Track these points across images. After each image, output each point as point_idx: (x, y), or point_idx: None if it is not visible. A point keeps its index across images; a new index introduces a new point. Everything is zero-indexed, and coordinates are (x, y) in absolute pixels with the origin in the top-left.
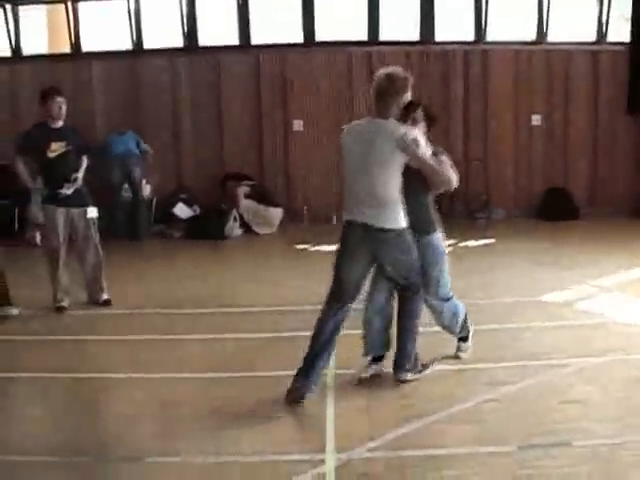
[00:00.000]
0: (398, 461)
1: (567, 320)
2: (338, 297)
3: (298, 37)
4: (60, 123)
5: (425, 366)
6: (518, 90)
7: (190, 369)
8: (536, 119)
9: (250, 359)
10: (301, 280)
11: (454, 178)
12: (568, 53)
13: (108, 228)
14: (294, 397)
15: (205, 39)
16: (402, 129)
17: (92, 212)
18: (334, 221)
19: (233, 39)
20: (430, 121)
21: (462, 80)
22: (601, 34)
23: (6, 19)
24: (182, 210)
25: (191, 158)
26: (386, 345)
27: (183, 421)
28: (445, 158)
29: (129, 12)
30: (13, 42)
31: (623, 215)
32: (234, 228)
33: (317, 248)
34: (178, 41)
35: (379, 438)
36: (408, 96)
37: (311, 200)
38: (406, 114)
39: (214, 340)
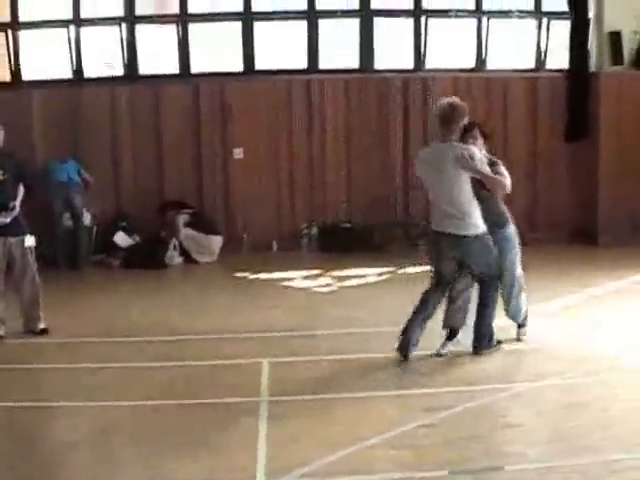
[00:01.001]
0: None
1: (505, 345)
2: (437, 284)
3: (238, 66)
4: None
5: (499, 342)
6: None
7: (129, 397)
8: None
9: (189, 386)
10: (240, 308)
11: (508, 183)
12: (507, 80)
13: (48, 257)
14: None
15: (145, 68)
16: (458, 149)
17: (29, 241)
18: (274, 248)
19: (173, 68)
20: (485, 137)
21: (402, 108)
22: (540, 61)
23: None
24: (122, 239)
25: (131, 186)
26: (460, 322)
27: (121, 449)
28: (502, 168)
29: (69, 41)
30: None
31: (563, 240)
32: (174, 257)
33: (257, 276)
34: (118, 70)
35: (311, 464)
36: (466, 120)
37: (251, 228)
38: (465, 134)
39: (153, 368)
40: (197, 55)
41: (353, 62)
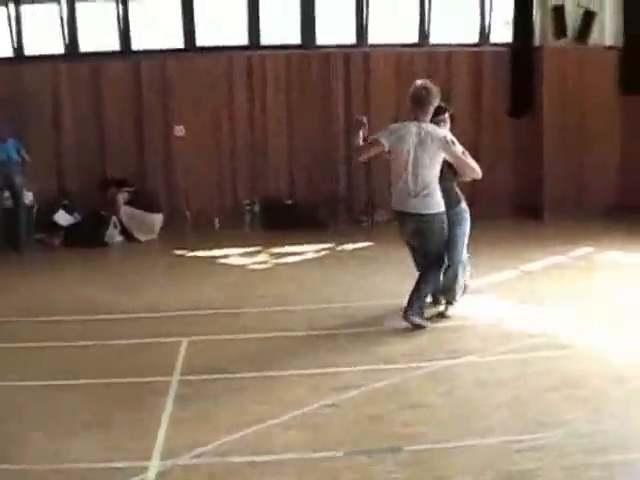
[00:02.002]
0: (221, 468)
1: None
2: (414, 260)
3: (179, 42)
4: None
5: (428, 319)
6: (400, 93)
7: (36, 377)
8: None
9: (101, 366)
10: (171, 286)
11: (479, 170)
12: (450, 55)
13: None
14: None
15: (85, 45)
16: (442, 132)
17: None
18: (216, 225)
19: (114, 45)
20: (452, 121)
21: (343, 83)
22: (484, 36)
23: None
24: (63, 217)
25: (73, 164)
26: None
27: (23, 428)
28: (467, 154)
29: (9, 18)
30: None
31: (508, 215)
32: (114, 235)
33: (194, 254)
34: (59, 47)
35: (208, 444)
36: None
37: (194, 205)
38: (436, 117)
39: (67, 347)
40: (137, 32)
41: (294, 38)
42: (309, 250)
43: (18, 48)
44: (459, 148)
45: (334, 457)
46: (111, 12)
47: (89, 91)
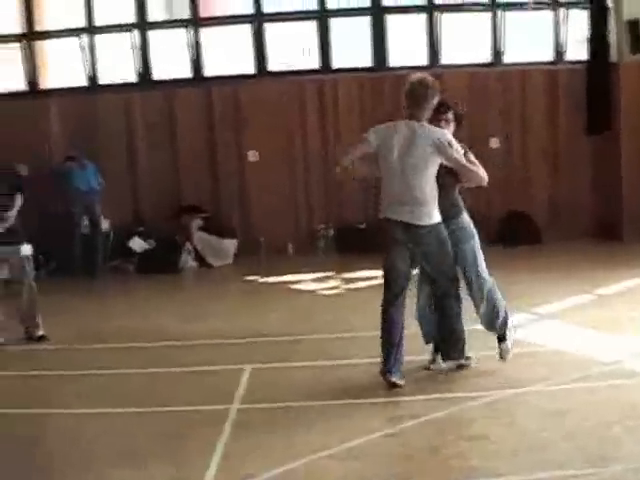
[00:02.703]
0: None
1: (494, 350)
2: (388, 286)
3: (250, 68)
4: None
5: (469, 359)
6: (474, 113)
7: (96, 404)
8: (494, 142)
9: (163, 393)
10: (239, 313)
11: (484, 176)
12: (524, 73)
13: (64, 264)
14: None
15: (158, 73)
16: (438, 132)
17: (26, 250)
18: (290, 251)
19: (185, 72)
20: (459, 122)
21: None
22: (559, 53)
23: None
24: (137, 244)
25: (147, 192)
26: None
27: (84, 456)
28: (472, 156)
29: (82, 48)
30: None
31: (587, 237)
32: (188, 261)
33: (266, 279)
34: (131, 76)
35: (260, 476)
36: (437, 99)
37: (267, 230)
38: (437, 116)
39: (133, 375)
40: (209, 59)
41: (366, 61)
42: (380, 275)
43: (92, 77)
44: (458, 151)
45: None
46: (182, 39)
47: (162, 119)
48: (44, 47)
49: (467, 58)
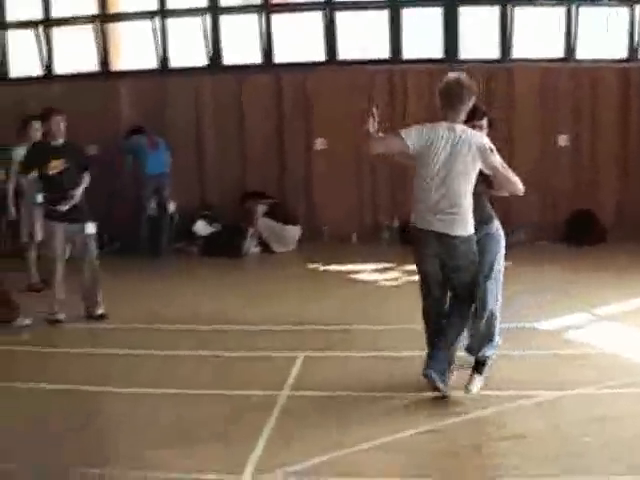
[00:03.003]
0: None
1: (549, 349)
2: (428, 292)
3: (320, 56)
4: (60, 141)
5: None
6: (544, 109)
7: (148, 385)
8: (563, 139)
9: (214, 378)
10: (298, 299)
11: (521, 185)
12: (597, 70)
13: (129, 244)
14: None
15: (228, 58)
16: (480, 137)
17: (90, 228)
18: (354, 240)
19: (256, 58)
20: (490, 127)
21: (485, 99)
22: (632, 51)
23: (38, 40)
24: (202, 227)
25: (214, 176)
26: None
27: (125, 436)
28: (505, 164)
29: (155, 32)
30: (45, 62)
31: None
32: (251, 246)
33: (327, 267)
34: (202, 60)
35: (301, 463)
36: (472, 102)
37: (332, 219)
38: (472, 122)
39: (186, 357)
40: (280, 45)
41: (437, 52)
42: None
43: (163, 61)
44: (499, 158)
45: None
46: (253, 25)
47: (231, 104)
48: (117, 29)
49: (539, 53)
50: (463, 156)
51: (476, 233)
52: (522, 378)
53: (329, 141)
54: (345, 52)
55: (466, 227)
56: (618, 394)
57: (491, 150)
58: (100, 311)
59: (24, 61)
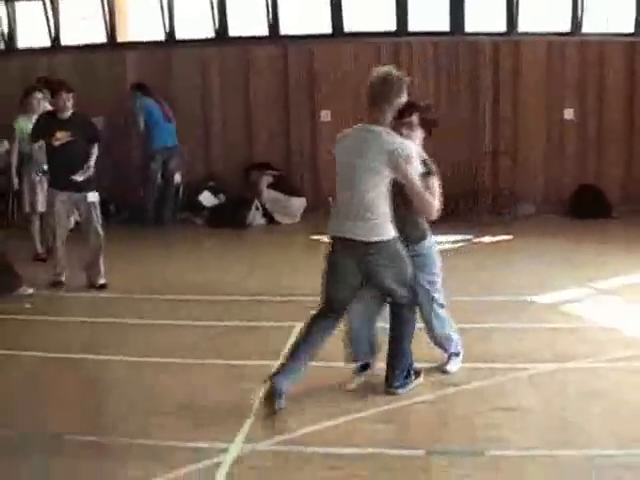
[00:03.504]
0: (298, 457)
1: (546, 322)
2: (328, 311)
3: (326, 28)
4: (68, 114)
5: (418, 374)
6: (551, 83)
7: (144, 353)
8: (569, 113)
9: (210, 347)
10: (299, 270)
11: (435, 209)
12: (603, 45)
13: (135, 214)
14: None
15: (235, 30)
16: (396, 142)
17: (92, 197)
18: None
19: (262, 30)
20: (429, 126)
21: (492, 72)
22: (639, 25)
23: (45, 10)
24: (207, 198)
25: (220, 147)
26: (371, 350)
27: (121, 403)
28: (434, 181)
29: (161, 4)
30: (53, 33)
31: None
32: (256, 217)
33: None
34: (209, 32)
35: (293, 432)
36: (404, 99)
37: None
38: (400, 119)
39: (184, 327)
40: (286, 17)
41: (443, 25)
42: (445, 241)
43: (170, 32)
44: (415, 169)
45: (413, 456)
46: None
47: (237, 76)
48: (124, 0)
49: (545, 27)
50: (371, 159)
51: (408, 248)
52: (517, 351)
53: (334, 113)
54: (351, 24)
55: (387, 230)
56: (613, 368)
57: (407, 158)
58: (101, 281)
59: (32, 32)
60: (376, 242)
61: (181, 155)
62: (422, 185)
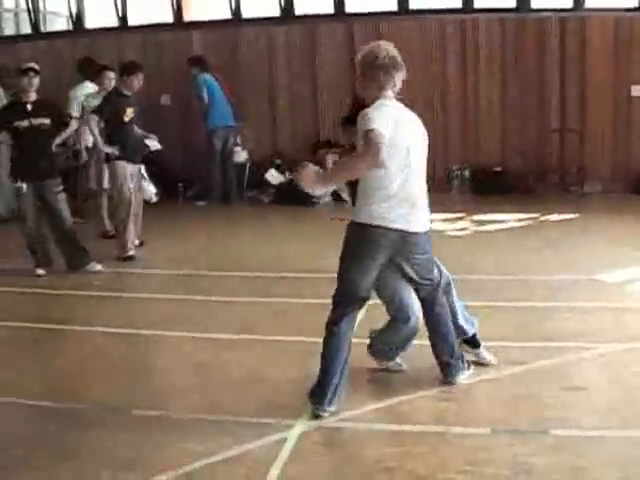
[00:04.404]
0: (363, 434)
1: (614, 302)
2: (353, 304)
3: (392, 5)
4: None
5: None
6: (618, 59)
7: (206, 330)
8: (636, 90)
9: (274, 323)
10: None
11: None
12: None
13: (202, 192)
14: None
15: (301, 8)
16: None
17: (143, 169)
18: None
19: (328, 8)
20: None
21: (559, 49)
22: None
23: None
24: (273, 176)
25: (287, 125)
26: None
27: (185, 379)
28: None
29: None
30: (120, 12)
31: None
32: (322, 195)
33: None
34: (275, 10)
35: (356, 409)
36: (398, 78)
37: None
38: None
39: (248, 303)
40: None
41: (509, 1)
42: (512, 219)
43: (236, 11)
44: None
45: (478, 434)
46: None
47: (303, 54)
48: None
49: (613, 2)
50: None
51: None
52: (585, 330)
53: (401, 91)
54: (417, 1)
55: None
56: None
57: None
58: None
59: (99, 12)
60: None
61: (236, 135)
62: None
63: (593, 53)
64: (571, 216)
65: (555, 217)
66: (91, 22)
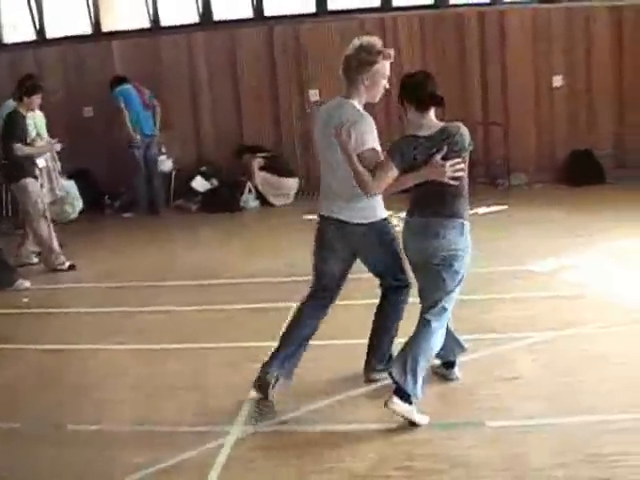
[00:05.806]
0: (300, 437)
1: (546, 291)
2: (318, 290)
3: (310, 7)
4: None
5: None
6: (537, 51)
7: (141, 341)
8: (557, 80)
9: (209, 330)
10: (293, 250)
11: (368, 188)
12: (589, 10)
13: (129, 204)
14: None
15: (219, 13)
16: (349, 115)
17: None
18: None
19: (247, 12)
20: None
21: (478, 43)
22: None
23: (29, 4)
24: (200, 183)
25: (210, 132)
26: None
27: (121, 390)
28: (386, 165)
29: None
30: (37, 26)
31: None
32: (249, 200)
33: None
34: (194, 17)
35: (294, 412)
36: (384, 70)
37: None
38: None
39: (182, 312)
40: None
41: None
42: None
43: (155, 19)
44: (366, 141)
45: (416, 429)
46: None
47: (224, 59)
48: None
49: None
50: (329, 134)
51: None
52: (517, 320)
53: (322, 92)
54: (335, 2)
55: (370, 212)
56: (614, 333)
57: (347, 133)
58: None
59: (17, 26)
60: (360, 224)
61: (158, 144)
62: (372, 159)
63: (513, 46)
64: (499, 208)
65: (483, 210)
66: (9, 37)
